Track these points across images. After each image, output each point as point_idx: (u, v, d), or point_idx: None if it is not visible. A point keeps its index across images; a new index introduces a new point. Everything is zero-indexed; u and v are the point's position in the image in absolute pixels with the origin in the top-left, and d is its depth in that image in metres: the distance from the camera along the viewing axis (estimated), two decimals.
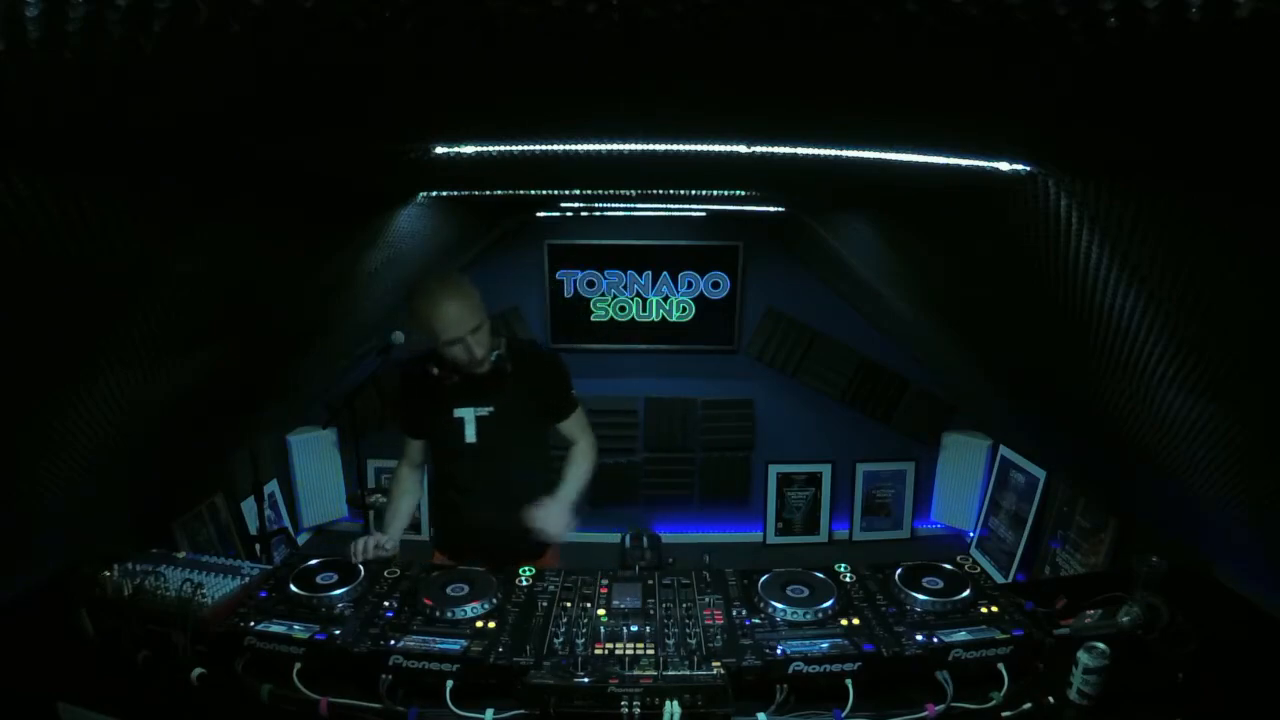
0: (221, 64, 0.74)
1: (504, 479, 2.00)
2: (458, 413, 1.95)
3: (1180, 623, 1.50)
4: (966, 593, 1.62)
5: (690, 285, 3.98)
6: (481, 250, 3.89)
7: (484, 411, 1.95)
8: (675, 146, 1.32)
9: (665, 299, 4.00)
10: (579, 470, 2.10)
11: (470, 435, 1.95)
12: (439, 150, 1.38)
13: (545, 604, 1.64)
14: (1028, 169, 1.31)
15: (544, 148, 1.35)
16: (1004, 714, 1.36)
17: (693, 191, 2.44)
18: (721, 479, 4.22)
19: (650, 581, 1.75)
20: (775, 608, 1.59)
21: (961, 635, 1.48)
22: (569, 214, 3.71)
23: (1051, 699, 1.39)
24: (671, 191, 2.45)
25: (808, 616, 1.57)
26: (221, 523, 3.15)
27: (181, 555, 1.86)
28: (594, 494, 4.03)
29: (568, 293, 3.99)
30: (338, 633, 1.49)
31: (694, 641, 1.50)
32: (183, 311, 1.66)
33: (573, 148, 1.34)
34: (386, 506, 2.16)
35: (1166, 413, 1.59)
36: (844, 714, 1.35)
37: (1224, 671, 1.48)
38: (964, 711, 1.37)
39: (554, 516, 1.88)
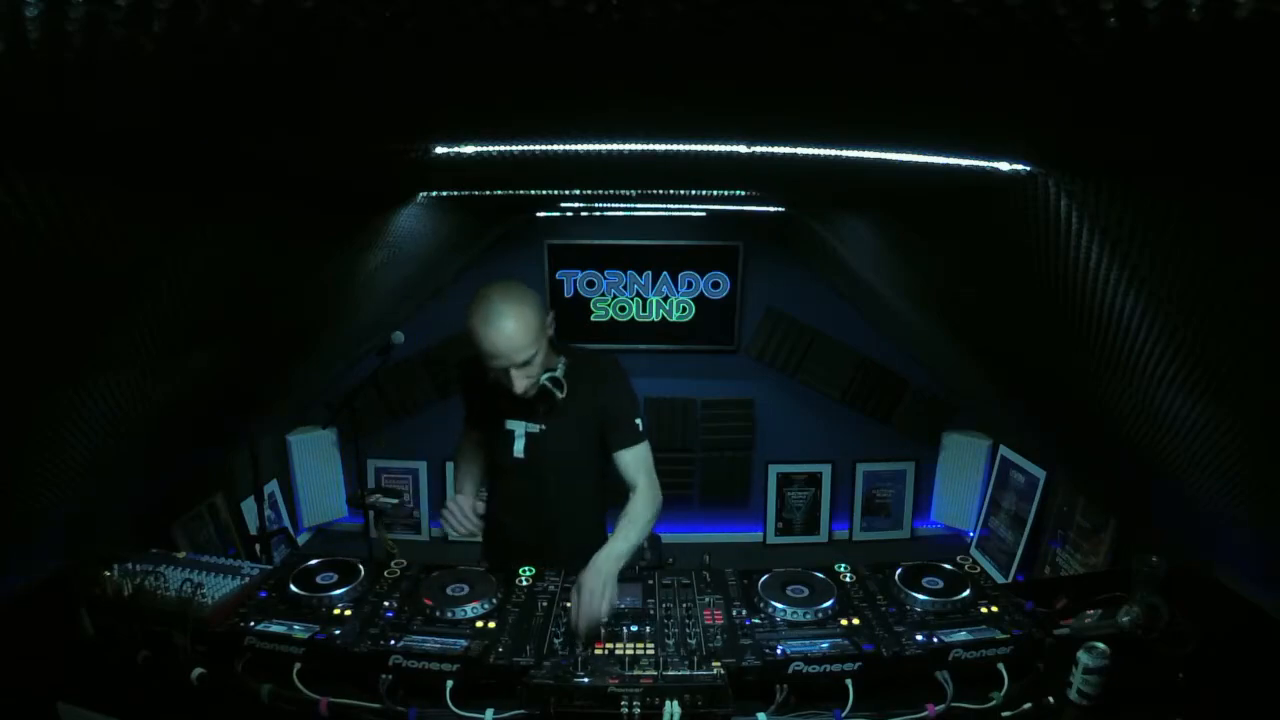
0: (221, 64, 0.74)
1: (547, 501, 1.87)
2: (509, 424, 1.85)
3: (1180, 623, 1.50)
4: (966, 593, 1.62)
5: (690, 285, 3.98)
6: (482, 250, 3.89)
7: (534, 429, 1.83)
8: (675, 146, 1.32)
9: (665, 299, 4.00)
10: (633, 527, 1.70)
11: (519, 450, 1.84)
12: (439, 150, 1.38)
13: (545, 604, 1.64)
14: (1028, 169, 1.31)
15: (544, 148, 1.35)
16: (1004, 714, 1.36)
17: (693, 191, 2.44)
18: (721, 479, 4.22)
19: (650, 581, 1.75)
20: (775, 608, 1.59)
21: (961, 635, 1.48)
22: (569, 214, 3.71)
23: (1051, 699, 1.39)
24: (671, 191, 2.45)
25: (808, 616, 1.57)
26: (221, 523, 3.15)
27: (181, 555, 1.86)
28: None
29: (568, 293, 3.99)
30: (338, 633, 1.49)
31: (694, 641, 1.50)
32: (182, 311, 1.66)
33: (573, 148, 1.34)
34: (457, 469, 2.05)
35: (1166, 412, 1.59)
36: (844, 714, 1.35)
37: (1224, 671, 1.48)
38: (964, 711, 1.37)
39: (591, 595, 1.50)
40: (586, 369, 1.81)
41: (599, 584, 1.53)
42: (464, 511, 1.83)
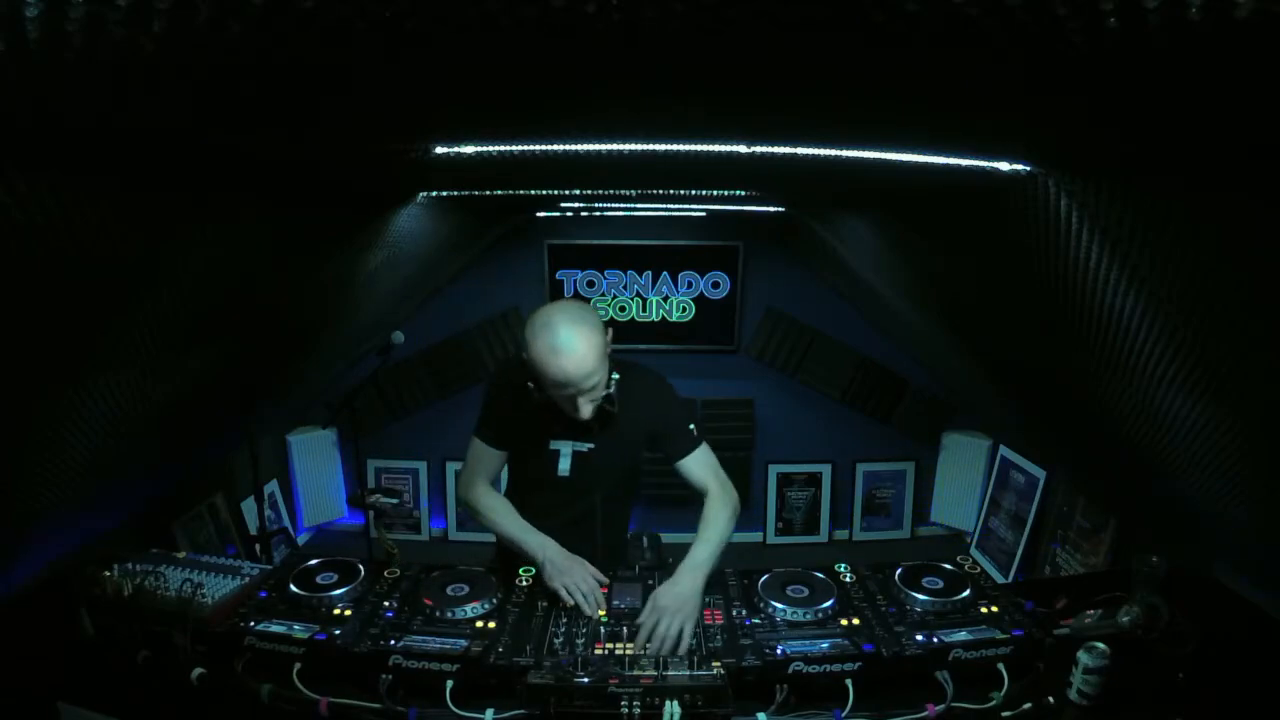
0: (221, 64, 0.74)
1: (592, 512, 1.83)
2: (554, 444, 1.78)
3: (1180, 623, 1.50)
4: (966, 593, 1.62)
5: (690, 285, 3.98)
6: (482, 250, 3.89)
7: (583, 447, 1.77)
8: (675, 146, 1.32)
9: (665, 299, 4.00)
10: (712, 530, 1.71)
11: (564, 469, 1.78)
12: (439, 150, 1.38)
13: (545, 604, 1.64)
14: (1028, 169, 1.31)
15: (544, 148, 1.35)
16: (1004, 714, 1.36)
17: (693, 191, 2.43)
18: None
19: (650, 581, 1.75)
20: (775, 608, 1.59)
21: (961, 635, 1.48)
22: (569, 214, 3.71)
23: (1051, 699, 1.39)
24: (671, 191, 2.45)
25: (808, 616, 1.57)
26: (221, 523, 3.15)
27: (181, 555, 1.86)
28: None
29: (568, 293, 3.99)
30: (338, 633, 1.49)
31: (694, 641, 1.50)
32: (182, 311, 1.66)
33: (573, 148, 1.34)
34: (505, 525, 1.80)
35: (1166, 412, 1.58)
36: (844, 714, 1.35)
37: (1224, 671, 1.48)
38: (964, 711, 1.37)
39: (677, 608, 1.51)
40: (634, 383, 1.76)
41: (676, 603, 1.52)
42: (593, 588, 1.63)
